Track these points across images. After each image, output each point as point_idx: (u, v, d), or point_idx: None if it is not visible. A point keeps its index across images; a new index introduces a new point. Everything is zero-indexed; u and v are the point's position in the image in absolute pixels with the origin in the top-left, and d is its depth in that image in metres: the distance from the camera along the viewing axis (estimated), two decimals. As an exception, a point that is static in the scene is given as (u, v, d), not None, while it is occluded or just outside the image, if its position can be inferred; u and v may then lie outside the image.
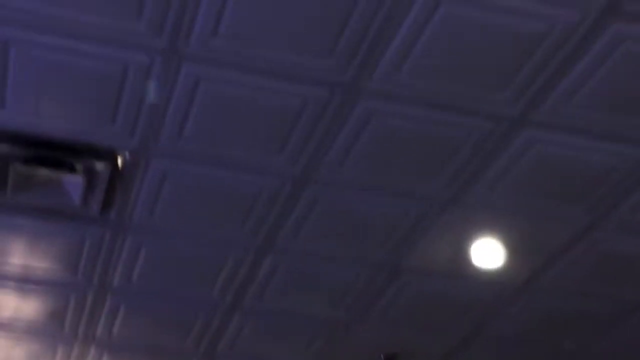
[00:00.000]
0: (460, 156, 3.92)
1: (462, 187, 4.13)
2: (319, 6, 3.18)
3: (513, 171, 4.02)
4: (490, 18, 3.21)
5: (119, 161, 3.95)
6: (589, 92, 3.54)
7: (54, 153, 3.84)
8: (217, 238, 4.51)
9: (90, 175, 3.93)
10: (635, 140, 3.81)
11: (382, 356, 5.52)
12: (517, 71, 3.45)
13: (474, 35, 3.28)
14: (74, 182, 3.92)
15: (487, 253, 4.55)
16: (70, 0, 3.18)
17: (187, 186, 4.14)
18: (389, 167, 4.00)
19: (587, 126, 3.72)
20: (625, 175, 4.02)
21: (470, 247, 4.53)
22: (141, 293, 4.94)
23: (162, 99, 3.60)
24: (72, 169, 3.88)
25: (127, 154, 3.92)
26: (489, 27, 3.25)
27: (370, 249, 4.57)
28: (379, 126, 3.75)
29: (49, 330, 5.33)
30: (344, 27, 3.26)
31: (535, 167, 3.97)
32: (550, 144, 3.83)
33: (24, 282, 4.88)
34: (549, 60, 3.40)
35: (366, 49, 3.35)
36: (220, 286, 4.89)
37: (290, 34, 3.30)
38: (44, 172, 3.87)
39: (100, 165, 3.90)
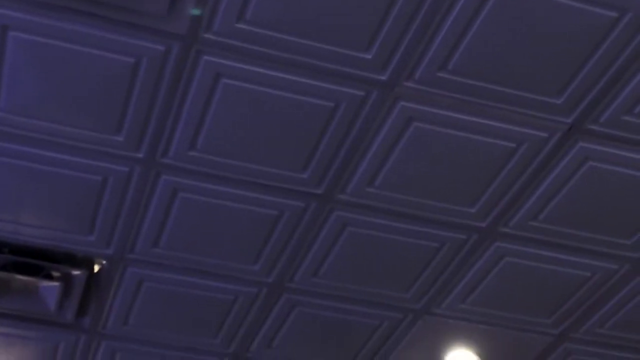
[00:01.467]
0: (432, 267, 3.98)
1: (434, 297, 4.17)
2: (295, 123, 3.30)
3: (484, 282, 4.07)
4: (461, 136, 3.34)
5: (96, 269, 3.99)
6: (556, 207, 3.64)
7: (31, 260, 3.87)
8: (191, 346, 4.50)
9: (67, 282, 3.96)
10: (601, 254, 3.90)
11: None
12: (487, 185, 3.56)
13: (444, 150, 3.40)
14: (50, 288, 3.95)
15: None
16: (51, 113, 3.28)
17: (162, 293, 4.17)
18: (363, 277, 4.05)
19: (556, 239, 3.81)
20: (593, 288, 4.09)
21: (445, 358, 4.54)
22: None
23: (140, 207, 3.67)
24: (48, 276, 3.92)
25: (103, 262, 3.95)
26: (460, 144, 3.37)
27: (344, 358, 4.58)
28: (353, 237, 3.82)
29: None
30: (319, 142, 3.38)
31: (505, 278, 4.03)
32: (520, 256, 3.91)
33: (-4, 388, 4.84)
34: (517, 176, 3.51)
35: (340, 163, 3.46)
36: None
37: (267, 148, 3.40)
38: (21, 279, 3.89)
39: (76, 273, 3.94)
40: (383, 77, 3.12)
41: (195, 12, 2.94)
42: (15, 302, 4.00)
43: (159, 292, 4.16)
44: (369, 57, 3.05)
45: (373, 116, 3.26)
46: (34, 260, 3.88)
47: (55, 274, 3.93)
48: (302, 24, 2.95)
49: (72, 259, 3.93)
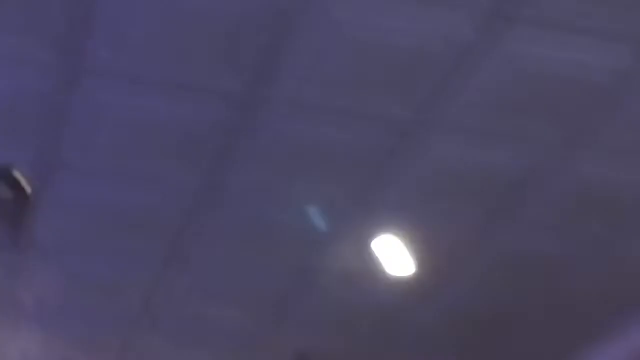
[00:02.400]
0: (362, 161, 3.99)
1: (365, 190, 4.21)
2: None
3: (415, 174, 4.11)
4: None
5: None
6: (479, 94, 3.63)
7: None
8: (125, 252, 4.58)
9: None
10: (524, 139, 3.89)
11: (293, 356, 5.59)
12: (411, 79, 3.56)
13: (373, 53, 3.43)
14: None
15: (395, 256, 4.64)
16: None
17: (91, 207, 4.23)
18: (294, 174, 4.09)
19: (481, 127, 3.81)
20: (520, 175, 4.12)
21: (378, 250, 4.62)
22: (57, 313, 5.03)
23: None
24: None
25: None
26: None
27: (279, 254, 4.67)
28: (285, 137, 3.84)
29: None
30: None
31: (434, 169, 4.07)
32: (447, 146, 3.93)
33: None
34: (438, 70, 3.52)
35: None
36: (128, 299, 4.94)
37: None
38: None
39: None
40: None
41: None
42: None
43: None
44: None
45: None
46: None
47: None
48: None
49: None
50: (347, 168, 4.04)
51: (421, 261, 4.70)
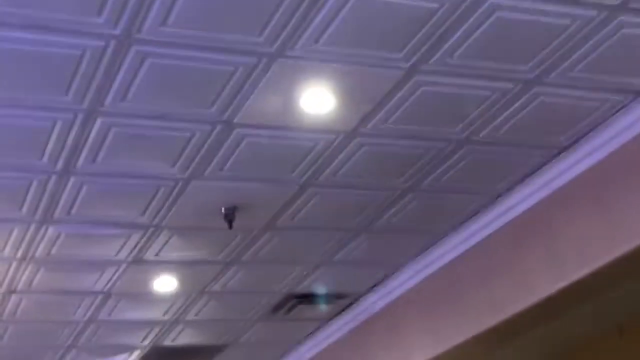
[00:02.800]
0: (282, 9, 3.96)
1: (286, 40, 4.18)
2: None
3: (335, 22, 4.09)
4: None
5: None
6: None
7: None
8: (41, 105, 4.45)
9: None
10: None
11: (222, 210, 5.64)
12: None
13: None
14: None
15: (317, 101, 4.70)
16: None
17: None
18: (213, 23, 4.01)
19: None
20: (442, 18, 4.17)
21: (300, 97, 4.65)
22: None
23: None
24: None
25: None
26: None
27: (201, 105, 4.63)
28: None
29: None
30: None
31: (355, 15, 4.05)
32: None
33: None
34: None
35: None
36: (50, 153, 4.85)
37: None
38: None
39: None
40: None
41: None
42: None
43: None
44: None
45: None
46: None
47: None
48: None
49: None
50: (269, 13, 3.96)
51: (344, 106, 4.75)
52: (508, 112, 5.02)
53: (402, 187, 5.73)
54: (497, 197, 5.95)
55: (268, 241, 6.27)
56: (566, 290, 5.51)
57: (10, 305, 6.78)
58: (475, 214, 6.14)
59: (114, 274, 6.49)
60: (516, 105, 4.96)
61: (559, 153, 5.47)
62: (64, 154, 4.88)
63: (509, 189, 5.85)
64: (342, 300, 7.52)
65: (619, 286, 6.07)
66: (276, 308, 7.51)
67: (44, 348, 7.80)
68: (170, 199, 5.50)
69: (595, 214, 5.30)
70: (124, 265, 6.37)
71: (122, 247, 6.08)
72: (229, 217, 5.68)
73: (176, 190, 5.41)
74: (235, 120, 4.79)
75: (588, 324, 8.50)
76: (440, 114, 4.98)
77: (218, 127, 4.83)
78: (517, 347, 7.56)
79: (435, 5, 4.06)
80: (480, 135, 5.22)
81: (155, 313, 7.34)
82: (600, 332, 8.78)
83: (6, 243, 5.79)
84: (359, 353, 7.65)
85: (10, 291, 6.54)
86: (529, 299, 5.75)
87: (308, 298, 7.36)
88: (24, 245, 5.86)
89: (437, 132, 5.14)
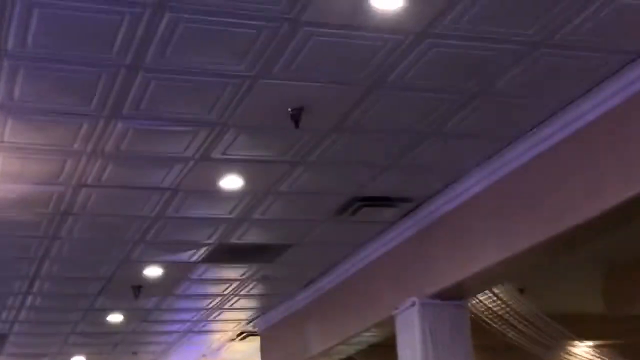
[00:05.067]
0: None
1: None
2: None
3: None
4: None
5: None
6: None
7: None
8: None
9: None
10: None
11: (289, 109, 5.63)
12: None
13: None
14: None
15: None
16: None
17: None
18: None
19: None
20: None
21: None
22: (38, 56, 4.91)
23: None
24: None
25: None
26: None
27: (269, 2, 4.56)
28: None
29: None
30: None
31: None
32: None
33: None
34: None
35: None
36: (119, 46, 4.86)
37: None
38: None
39: None
40: None
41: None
42: None
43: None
44: None
45: None
46: None
47: None
48: None
49: None
50: None
51: (414, 3, 4.63)
52: (586, 13, 4.84)
53: (471, 90, 5.62)
54: (569, 102, 5.80)
55: (334, 142, 6.25)
56: (637, 199, 5.40)
57: (80, 199, 6.93)
58: (546, 119, 6.02)
59: (181, 171, 6.56)
60: (595, 6, 4.78)
61: (635, 59, 5.29)
62: (133, 48, 4.87)
63: (582, 94, 5.70)
64: (407, 204, 7.51)
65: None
66: (341, 210, 7.54)
67: (112, 242, 8.00)
68: (238, 96, 5.49)
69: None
70: (191, 163, 6.43)
71: (189, 144, 6.12)
72: (296, 117, 5.67)
73: (244, 88, 5.39)
74: (302, 18, 4.72)
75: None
76: (515, 14, 4.82)
77: (285, 25, 4.77)
78: (586, 253, 7.53)
79: None
80: (555, 38, 5.06)
81: (221, 211, 7.44)
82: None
83: (76, 137, 5.88)
84: (422, 256, 7.67)
85: (81, 185, 6.67)
86: (598, 207, 5.65)
87: (373, 201, 7.37)
88: (93, 140, 5.94)
89: (511, 34, 5.00)
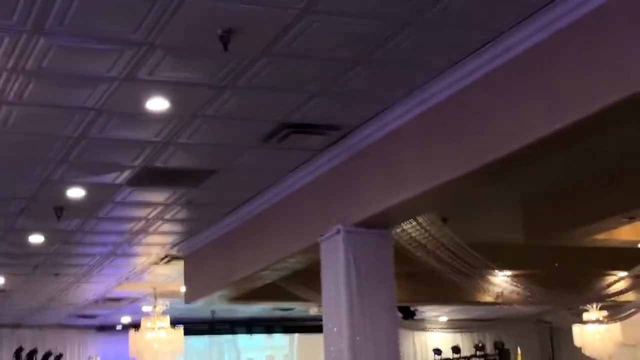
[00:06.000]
0: None
1: None
2: None
3: None
4: None
5: None
6: None
7: None
8: None
9: None
10: None
11: (218, 31, 5.50)
12: None
13: None
14: None
15: None
16: None
17: None
18: None
19: None
20: None
21: None
22: None
23: None
24: None
25: None
26: None
27: None
28: None
29: None
30: None
31: None
32: None
33: None
34: None
35: None
36: None
37: None
38: None
39: None
40: None
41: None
42: None
43: None
44: None
45: None
46: None
47: None
48: None
49: None
50: None
51: None
52: None
53: (404, 18, 5.57)
54: (499, 34, 5.80)
55: (264, 67, 6.16)
56: (563, 131, 5.47)
57: (0, 117, 6.73)
58: (475, 50, 6.02)
59: (105, 91, 6.40)
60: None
61: (568, -8, 5.30)
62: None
63: (512, 26, 5.70)
64: (335, 132, 7.50)
65: (613, 132, 6.06)
66: (269, 136, 7.49)
67: (34, 162, 7.83)
68: (166, 15, 5.34)
69: (598, 57, 5.19)
70: (116, 83, 6.28)
71: (114, 63, 5.97)
72: (225, 39, 5.55)
73: (172, 6, 5.24)
74: None
75: (580, 169, 8.59)
76: None
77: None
78: (507, 184, 7.66)
79: None
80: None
81: (147, 133, 7.32)
82: (590, 178, 8.88)
83: (-4, 52, 5.68)
84: (348, 184, 7.70)
85: (1, 102, 6.47)
86: (525, 138, 5.71)
87: (301, 127, 7.33)
88: (14, 56, 5.75)
89: None
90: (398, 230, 8.01)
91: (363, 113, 7.13)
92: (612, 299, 11.49)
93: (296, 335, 18.46)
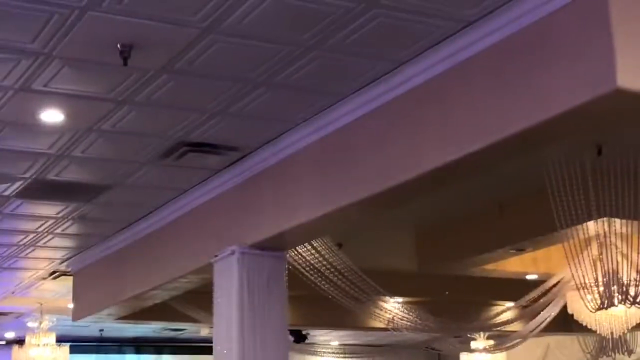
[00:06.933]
0: None
1: None
2: None
3: None
4: None
5: None
6: None
7: None
8: None
9: None
10: None
11: (118, 45, 5.44)
12: None
13: None
14: None
15: None
16: None
17: None
18: None
19: None
20: None
21: None
22: None
23: None
24: None
25: None
26: None
27: None
28: None
29: None
30: None
31: None
32: None
33: None
34: None
35: None
36: None
37: None
38: None
39: None
40: None
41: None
42: None
43: None
44: None
45: None
46: None
47: None
48: None
49: None
50: None
51: None
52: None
53: (306, 43, 5.60)
54: (398, 65, 5.90)
55: (164, 84, 6.11)
56: (455, 163, 5.58)
57: None
58: (375, 79, 6.10)
59: (-1, 100, 6.25)
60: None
61: (465, 27, 5.43)
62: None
63: (412, 58, 5.80)
64: (233, 153, 7.48)
65: (505, 164, 6.22)
66: (166, 154, 7.42)
67: None
68: (65, 27, 5.24)
69: (492, 90, 5.34)
70: (10, 92, 6.12)
71: (9, 73, 5.82)
72: (125, 53, 5.48)
73: (71, 18, 5.15)
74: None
75: (471, 199, 8.79)
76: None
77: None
78: (402, 211, 7.76)
79: None
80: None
81: (40, 145, 7.15)
82: (481, 208, 9.09)
83: None
84: (245, 206, 7.68)
85: None
86: (418, 168, 5.81)
87: (199, 146, 7.28)
88: None
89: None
90: (293, 253, 8.03)
91: (262, 135, 7.14)
92: (499, 328, 11.75)
93: (186, 356, 18.24)
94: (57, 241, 10.02)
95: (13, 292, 12.48)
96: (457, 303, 11.72)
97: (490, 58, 5.38)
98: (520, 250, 9.59)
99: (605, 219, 7.59)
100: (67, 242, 10.16)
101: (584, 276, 7.91)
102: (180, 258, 8.64)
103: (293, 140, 7.01)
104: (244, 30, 5.40)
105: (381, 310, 10.16)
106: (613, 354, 9.52)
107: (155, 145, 7.24)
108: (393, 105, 6.09)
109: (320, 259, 8.34)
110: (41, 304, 13.08)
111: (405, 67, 5.88)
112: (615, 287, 8.03)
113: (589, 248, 7.90)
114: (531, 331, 10.97)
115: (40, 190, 8.19)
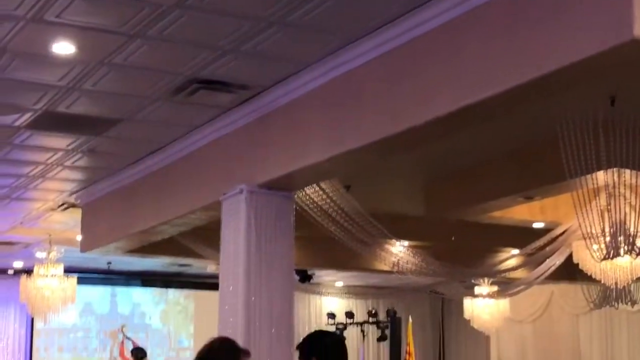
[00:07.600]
0: None
1: None
2: None
3: None
4: None
5: None
6: None
7: None
8: None
9: None
10: None
11: None
12: None
13: None
14: None
15: None
16: None
17: None
18: None
19: None
20: None
21: None
22: None
23: None
24: None
25: None
26: None
27: None
28: None
29: None
30: None
31: None
32: None
33: None
34: None
35: None
36: None
37: None
38: None
39: None
40: None
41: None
42: None
43: None
44: None
45: None
46: None
47: None
48: None
49: None
50: None
51: None
52: None
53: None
54: (413, 7, 5.83)
55: (176, 19, 6.05)
56: (466, 109, 5.55)
57: None
58: (389, 21, 6.04)
59: (10, 30, 6.20)
60: None
61: (484, -29, 5.36)
62: None
63: (427, 1, 5.73)
64: (244, 91, 7.44)
65: (517, 112, 6.18)
66: (177, 90, 7.39)
67: None
68: (78, -43, 5.20)
69: (506, 38, 5.28)
70: (22, 22, 6.08)
71: (22, 2, 5.78)
72: (138, -14, 5.44)
73: (85, -51, 5.11)
74: None
75: (481, 146, 8.76)
76: None
77: None
78: (411, 157, 7.75)
79: None
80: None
81: (51, 77, 7.13)
82: (491, 156, 9.07)
83: None
84: (254, 145, 7.67)
85: None
86: (428, 113, 5.78)
87: (211, 84, 7.24)
88: None
89: None
90: (301, 194, 8.04)
91: (274, 75, 7.09)
92: (503, 275, 11.80)
93: (192, 291, 18.42)
94: (66, 173, 10.05)
95: (22, 223, 12.57)
96: (462, 248, 11.76)
97: (505, 4, 5.31)
98: (529, 198, 9.59)
99: (615, 169, 7.56)
100: (76, 175, 10.19)
101: (591, 226, 7.91)
102: (189, 195, 8.67)
103: (304, 81, 6.97)
104: (258, -34, 5.34)
105: (387, 253, 10.20)
106: (616, 304, 9.57)
107: (166, 81, 7.21)
108: (405, 49, 6.03)
109: (328, 200, 8.35)
110: (50, 235, 13.17)
111: (420, 10, 5.81)
112: (622, 237, 8.03)
113: (597, 198, 7.88)
114: (536, 279, 11.02)
115: (50, 122, 8.19)
